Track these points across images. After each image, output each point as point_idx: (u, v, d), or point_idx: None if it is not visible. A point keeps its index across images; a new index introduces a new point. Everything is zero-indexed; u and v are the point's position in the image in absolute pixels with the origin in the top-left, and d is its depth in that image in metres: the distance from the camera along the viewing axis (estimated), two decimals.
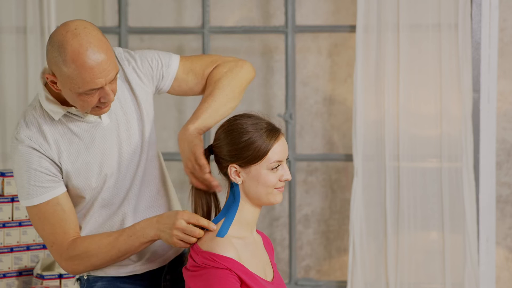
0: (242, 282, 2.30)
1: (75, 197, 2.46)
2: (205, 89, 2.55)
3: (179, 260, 2.64)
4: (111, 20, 4.34)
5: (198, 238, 2.36)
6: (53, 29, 3.99)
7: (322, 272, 4.35)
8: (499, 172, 4.15)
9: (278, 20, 4.26)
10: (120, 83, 2.50)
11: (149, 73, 2.55)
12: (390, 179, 3.97)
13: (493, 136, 4.03)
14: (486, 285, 4.04)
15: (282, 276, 4.27)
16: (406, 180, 3.97)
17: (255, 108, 4.22)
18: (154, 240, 2.41)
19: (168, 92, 2.61)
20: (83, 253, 2.41)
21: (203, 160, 2.37)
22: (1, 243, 3.31)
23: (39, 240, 3.41)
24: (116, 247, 2.41)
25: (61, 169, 2.41)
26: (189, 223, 2.34)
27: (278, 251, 4.35)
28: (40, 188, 2.38)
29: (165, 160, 4.21)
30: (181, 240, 2.34)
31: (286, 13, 4.08)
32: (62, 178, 2.42)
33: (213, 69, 2.58)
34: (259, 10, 4.28)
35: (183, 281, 2.61)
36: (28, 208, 2.42)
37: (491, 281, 4.04)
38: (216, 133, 2.40)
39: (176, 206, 2.64)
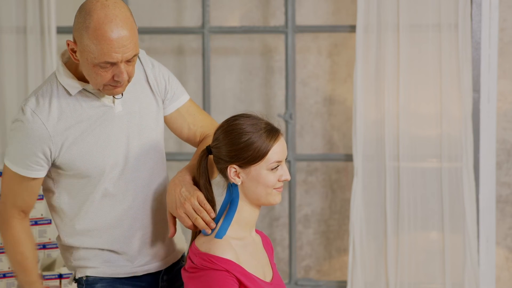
0: (240, 283, 2.30)
1: (74, 179, 2.48)
2: (200, 147, 2.62)
3: (176, 261, 2.66)
4: None
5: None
6: (53, 29, 3.99)
7: (322, 272, 4.35)
8: (499, 172, 4.15)
9: (278, 20, 4.26)
10: (143, 83, 2.55)
11: (163, 86, 2.60)
12: (390, 179, 3.97)
13: (493, 136, 4.03)
14: (486, 285, 4.04)
15: (282, 276, 4.27)
16: (406, 180, 3.97)
17: (255, 108, 4.22)
18: None
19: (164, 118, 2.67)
20: (3, 239, 2.55)
21: (209, 205, 2.41)
22: (1, 243, 3.31)
23: (38, 240, 3.41)
24: (15, 269, 2.57)
25: (57, 149, 2.43)
26: None
27: (278, 251, 4.35)
28: (24, 164, 2.44)
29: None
30: None
31: (286, 13, 4.08)
32: (51, 162, 2.45)
33: (210, 134, 2.63)
34: (259, 10, 4.28)
35: (179, 280, 2.63)
36: (6, 166, 2.49)
37: (491, 281, 4.04)
38: (215, 133, 2.40)
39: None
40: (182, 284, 2.65)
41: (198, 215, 2.39)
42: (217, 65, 4.29)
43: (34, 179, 2.47)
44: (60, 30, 4.04)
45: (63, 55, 2.50)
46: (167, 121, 2.65)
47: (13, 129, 2.45)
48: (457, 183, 3.95)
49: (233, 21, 4.28)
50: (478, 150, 4.02)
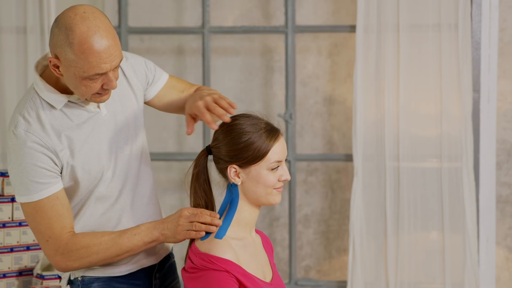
0: (240, 284, 2.30)
1: (73, 188, 2.47)
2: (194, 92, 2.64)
3: (166, 258, 2.69)
4: (111, 20, 4.32)
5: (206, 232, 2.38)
6: None
7: (322, 272, 4.35)
8: (499, 172, 4.15)
9: (278, 20, 4.26)
10: (121, 79, 2.55)
11: (144, 73, 2.61)
12: (390, 179, 3.97)
13: (493, 136, 4.03)
14: (486, 285, 4.03)
15: (282, 276, 4.27)
16: (406, 180, 3.96)
17: (255, 108, 4.22)
18: (157, 241, 2.43)
19: (150, 101, 2.68)
20: (83, 248, 2.42)
21: (228, 99, 2.41)
22: (1, 243, 3.31)
23: None
24: (117, 245, 2.42)
25: (60, 161, 2.41)
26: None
27: (278, 251, 4.35)
28: (40, 185, 2.38)
29: (165, 160, 4.23)
30: (188, 230, 2.36)
31: (286, 13, 4.08)
32: (61, 172, 2.42)
33: (199, 87, 2.70)
34: (259, 10, 4.28)
35: (170, 277, 2.65)
36: (25, 204, 2.41)
37: (491, 281, 4.04)
38: (215, 133, 2.41)
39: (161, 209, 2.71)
40: (173, 280, 2.69)
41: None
42: (217, 65, 4.29)
43: (57, 193, 2.41)
44: None
45: (36, 67, 2.46)
46: (156, 102, 2.67)
47: (11, 158, 2.39)
48: (457, 183, 3.95)
49: (233, 21, 4.28)
50: (478, 150, 4.02)
